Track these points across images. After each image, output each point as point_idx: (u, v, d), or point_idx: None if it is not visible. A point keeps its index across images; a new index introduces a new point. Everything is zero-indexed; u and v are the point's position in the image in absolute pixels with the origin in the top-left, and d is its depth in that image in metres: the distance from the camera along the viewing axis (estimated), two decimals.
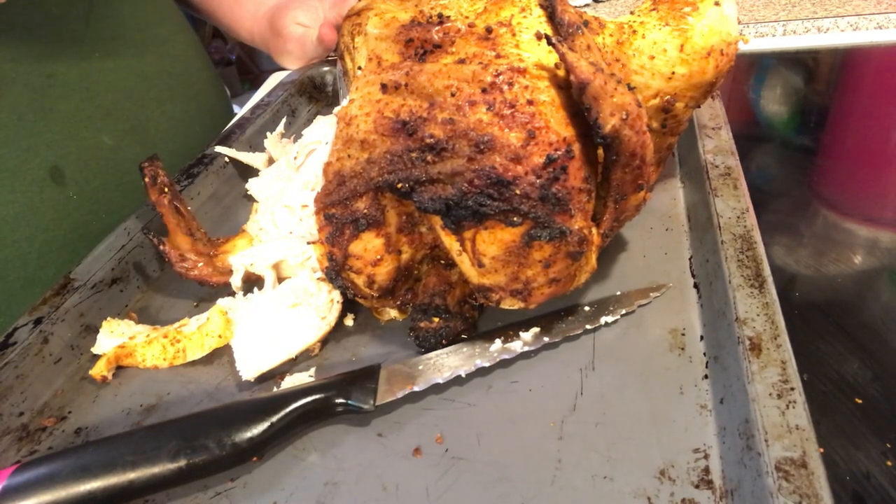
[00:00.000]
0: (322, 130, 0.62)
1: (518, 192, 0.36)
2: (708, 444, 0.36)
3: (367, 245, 0.41)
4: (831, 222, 0.56)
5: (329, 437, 0.40)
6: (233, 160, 0.68)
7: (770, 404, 0.33)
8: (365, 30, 0.51)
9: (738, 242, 0.43)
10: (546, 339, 0.43)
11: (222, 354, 0.47)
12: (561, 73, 0.38)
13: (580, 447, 0.37)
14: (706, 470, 0.35)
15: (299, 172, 0.56)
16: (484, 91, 0.37)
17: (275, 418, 0.38)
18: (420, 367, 0.42)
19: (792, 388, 0.33)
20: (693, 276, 0.47)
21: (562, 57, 0.35)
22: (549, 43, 0.37)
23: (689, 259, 0.49)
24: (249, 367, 0.43)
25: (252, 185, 0.63)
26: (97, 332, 0.48)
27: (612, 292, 0.47)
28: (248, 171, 0.68)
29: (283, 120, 0.75)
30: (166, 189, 0.53)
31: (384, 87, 0.40)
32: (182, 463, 0.36)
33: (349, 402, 0.40)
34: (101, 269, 0.51)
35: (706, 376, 0.40)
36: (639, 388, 0.40)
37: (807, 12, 0.93)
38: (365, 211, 0.40)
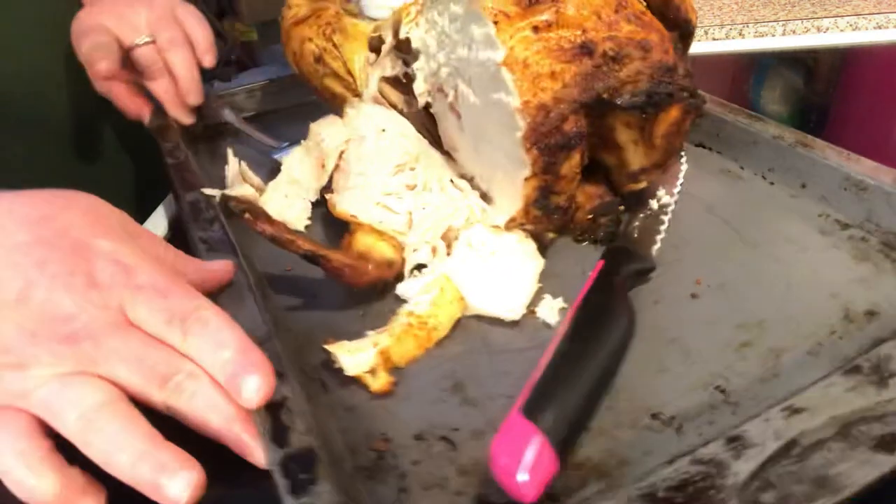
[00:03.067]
0: (338, 132, 0.61)
1: (681, 72, 0.48)
2: None
3: (572, 162, 0.48)
4: None
5: None
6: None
7: None
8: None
9: None
10: None
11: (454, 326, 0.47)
12: None
13: None
14: None
15: (375, 164, 0.56)
16: (616, 11, 0.48)
17: None
18: None
19: None
20: None
21: None
22: None
23: None
24: (511, 307, 0.46)
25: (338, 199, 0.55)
26: None
27: None
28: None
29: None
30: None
31: (536, 29, 0.47)
32: None
33: None
34: None
35: None
36: None
37: (806, 12, 0.92)
38: (575, 130, 0.46)
